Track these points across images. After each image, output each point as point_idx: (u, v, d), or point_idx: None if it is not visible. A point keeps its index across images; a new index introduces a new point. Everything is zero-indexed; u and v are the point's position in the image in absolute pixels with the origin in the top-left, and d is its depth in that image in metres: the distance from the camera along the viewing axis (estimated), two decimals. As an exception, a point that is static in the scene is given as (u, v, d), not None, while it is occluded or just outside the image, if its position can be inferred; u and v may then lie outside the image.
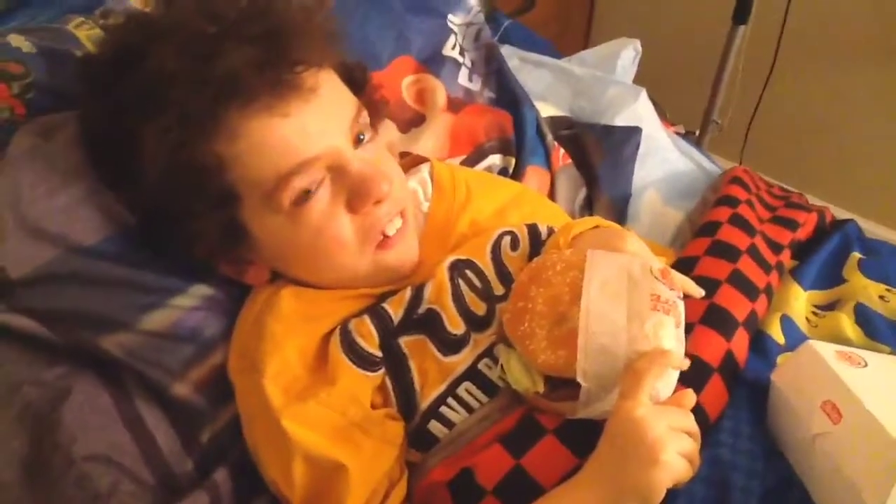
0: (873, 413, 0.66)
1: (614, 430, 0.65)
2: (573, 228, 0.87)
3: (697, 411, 0.72)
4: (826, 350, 0.75)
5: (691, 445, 0.66)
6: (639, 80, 1.41)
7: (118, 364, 0.75)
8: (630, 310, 0.69)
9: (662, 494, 0.63)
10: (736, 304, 0.84)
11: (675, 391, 0.70)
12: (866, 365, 0.75)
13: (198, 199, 0.73)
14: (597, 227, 0.89)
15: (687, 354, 0.73)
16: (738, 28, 1.96)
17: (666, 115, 1.49)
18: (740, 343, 0.82)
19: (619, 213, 1.14)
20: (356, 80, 0.84)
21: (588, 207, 1.13)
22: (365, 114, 0.80)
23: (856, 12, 2.05)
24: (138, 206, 0.78)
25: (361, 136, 0.79)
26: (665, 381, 0.68)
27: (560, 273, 0.74)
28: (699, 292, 0.79)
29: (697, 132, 2.23)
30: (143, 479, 0.73)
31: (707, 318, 0.81)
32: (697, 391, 0.73)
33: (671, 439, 0.63)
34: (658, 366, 0.66)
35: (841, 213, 1.18)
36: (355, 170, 0.75)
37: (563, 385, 0.71)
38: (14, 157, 0.77)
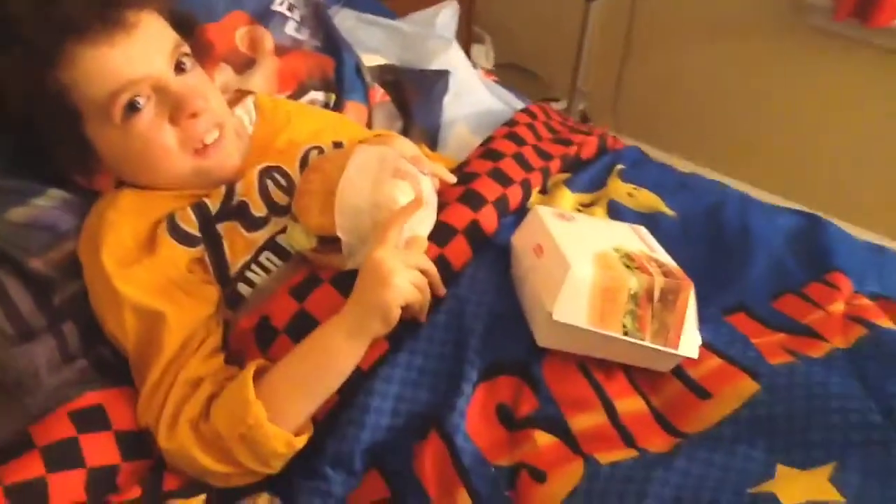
0: (559, 245, 0.88)
1: (363, 269, 0.86)
2: (363, 139, 1.09)
3: (442, 261, 0.94)
4: (545, 210, 0.97)
5: (419, 277, 0.87)
6: (515, 54, 1.59)
7: None
8: (375, 179, 0.90)
9: (396, 311, 0.85)
10: (487, 189, 1.05)
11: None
12: (574, 220, 0.98)
13: (51, 117, 0.92)
14: (378, 135, 1.11)
15: (437, 222, 0.96)
16: (591, 5, 2.21)
17: (542, 83, 1.68)
18: (488, 216, 1.02)
19: (431, 140, 1.35)
20: (184, 24, 1.03)
21: (403, 136, 1.34)
22: (185, 47, 0.99)
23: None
24: (4, 125, 0.96)
25: (183, 65, 0.98)
26: (417, 230, 0.90)
27: (332, 161, 0.95)
28: (451, 178, 1.01)
29: (567, 102, 2.47)
30: (6, 331, 0.91)
31: (461, 197, 1.03)
32: (442, 246, 0.95)
33: (401, 269, 0.84)
34: (397, 220, 0.88)
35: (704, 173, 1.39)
36: (174, 88, 0.95)
37: (331, 242, 0.92)
38: None
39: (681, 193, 1.23)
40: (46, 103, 0.91)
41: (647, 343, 0.85)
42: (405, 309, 0.87)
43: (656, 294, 0.86)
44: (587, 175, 1.26)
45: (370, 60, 1.39)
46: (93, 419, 0.88)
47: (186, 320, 0.92)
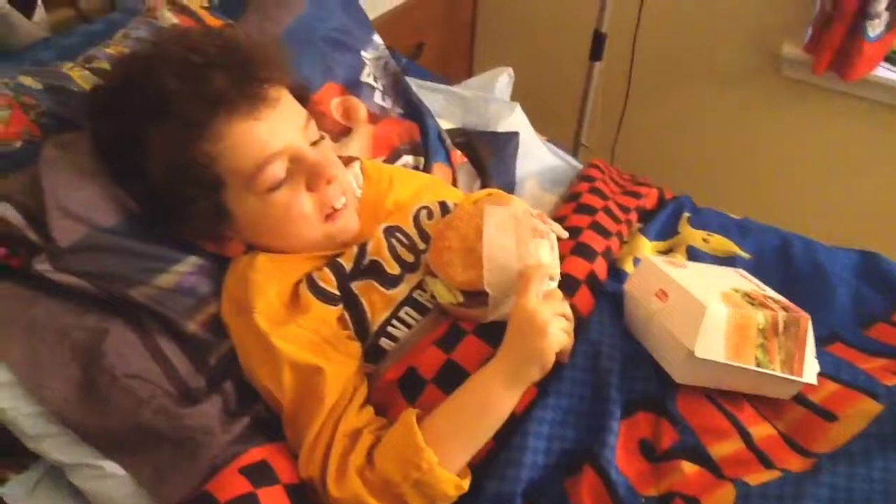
0: (687, 288, 0.97)
1: (514, 320, 0.93)
2: (474, 196, 1.17)
3: (572, 309, 1.02)
4: (658, 259, 1.06)
5: (567, 323, 0.95)
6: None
7: (141, 311, 0.98)
8: (517, 237, 0.98)
9: (552, 357, 0.92)
10: (595, 241, 1.15)
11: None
12: (686, 267, 1.07)
13: (192, 188, 0.97)
14: (490, 194, 1.19)
15: (561, 274, 1.04)
16: (595, 64, 2.33)
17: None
18: (600, 266, 1.12)
19: (507, 197, 1.44)
20: (301, 97, 1.11)
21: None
22: (313, 121, 1.07)
23: (694, 44, 2.42)
24: (144, 197, 1.01)
25: (313, 138, 1.05)
26: (546, 286, 0.98)
27: (466, 221, 1.02)
28: (564, 234, 1.09)
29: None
30: (169, 391, 0.95)
31: (574, 250, 1.11)
32: (570, 296, 1.03)
33: (553, 319, 0.92)
34: (539, 273, 0.95)
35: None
36: (311, 158, 1.01)
37: (475, 296, 0.98)
38: (45, 162, 0.98)
39: (747, 235, 1.33)
40: (191, 173, 0.96)
41: (776, 372, 0.94)
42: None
43: (780, 327, 0.95)
44: (657, 224, 1.36)
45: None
46: (263, 474, 0.92)
47: (341, 374, 0.97)
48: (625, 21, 2.24)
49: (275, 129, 0.98)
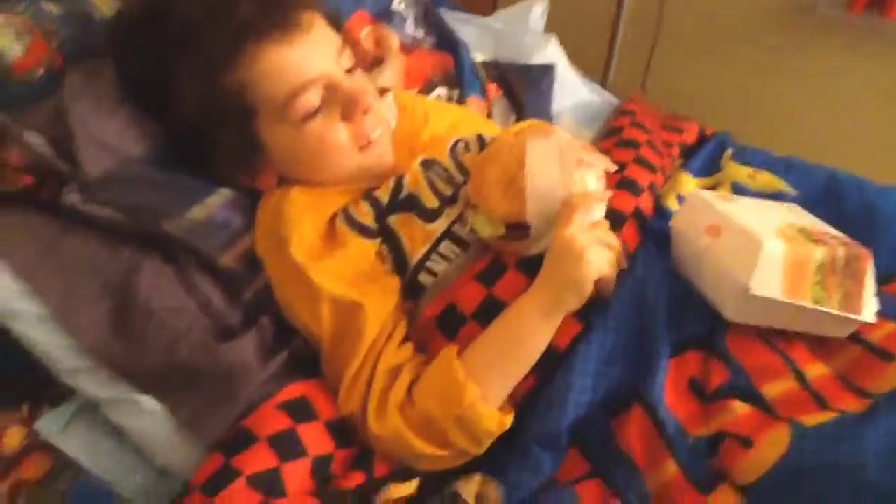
0: (741, 223, 0.93)
1: (553, 247, 0.89)
2: (515, 127, 1.12)
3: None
4: (707, 193, 1.02)
5: (610, 253, 0.90)
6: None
7: (175, 244, 0.95)
8: (561, 166, 0.94)
9: (590, 285, 0.88)
10: (640, 176, 1.10)
11: None
12: (736, 201, 1.02)
13: (224, 117, 0.94)
14: (531, 125, 1.14)
15: (606, 208, 1.00)
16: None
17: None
18: (646, 201, 1.07)
19: (543, 132, 1.39)
20: (335, 24, 1.06)
21: (514, 126, 1.37)
22: (347, 48, 1.02)
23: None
24: (174, 127, 0.97)
25: (347, 66, 1.01)
26: (594, 214, 0.94)
27: (507, 151, 0.98)
28: (612, 166, 1.05)
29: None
30: (206, 325, 0.93)
31: (620, 184, 1.07)
32: (616, 230, 0.99)
33: (592, 245, 0.87)
34: (584, 201, 0.91)
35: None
36: (347, 86, 0.97)
37: (517, 228, 0.94)
38: (70, 91, 0.95)
39: (792, 172, 1.28)
40: (221, 103, 0.93)
41: (835, 311, 0.90)
42: (594, 284, 0.90)
43: (840, 263, 0.90)
44: (700, 160, 1.30)
45: (471, 57, 1.43)
46: (303, 410, 0.91)
47: (380, 310, 0.94)
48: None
49: (309, 56, 0.94)
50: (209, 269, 0.96)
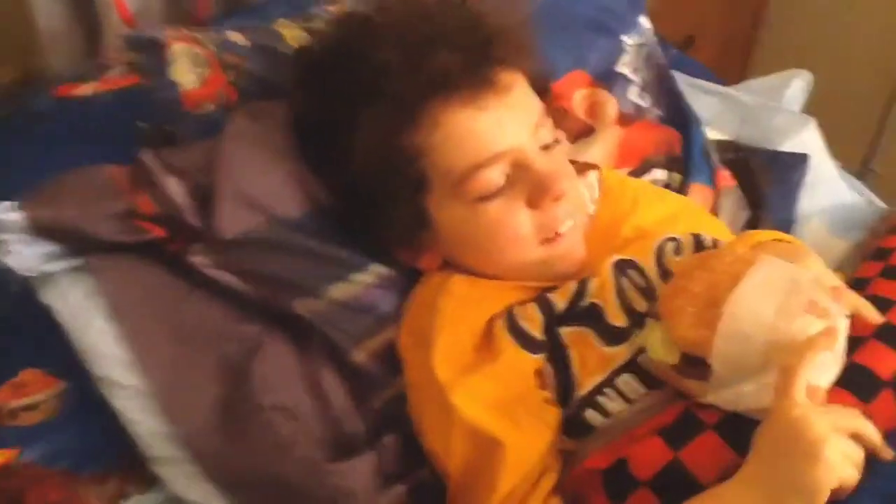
0: None
1: (773, 429, 0.65)
2: (753, 237, 0.89)
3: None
4: None
5: (855, 448, 0.64)
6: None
7: (306, 327, 0.82)
8: (781, 307, 0.69)
9: (826, 495, 0.62)
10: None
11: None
12: None
13: (395, 183, 0.81)
14: (778, 240, 0.90)
15: (853, 365, 0.74)
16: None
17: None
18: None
19: (783, 238, 1.13)
20: (541, 88, 0.89)
21: (750, 230, 1.13)
22: (549, 119, 0.85)
23: None
24: (339, 187, 0.85)
25: (546, 140, 0.84)
26: (822, 372, 0.68)
27: (727, 264, 0.75)
28: (876, 318, 0.78)
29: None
30: (316, 434, 0.79)
31: (881, 333, 0.79)
32: (866, 402, 0.72)
33: (833, 437, 0.62)
34: (807, 356, 0.65)
35: None
36: (538, 166, 0.80)
37: (695, 363, 0.72)
38: (230, 134, 0.86)
39: None
40: (395, 166, 0.80)
41: None
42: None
43: None
44: None
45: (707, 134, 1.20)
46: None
47: (526, 452, 0.75)
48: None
49: (500, 125, 0.79)
50: (339, 363, 0.82)
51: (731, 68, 2.47)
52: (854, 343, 0.77)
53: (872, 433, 0.66)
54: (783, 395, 0.64)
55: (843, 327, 0.72)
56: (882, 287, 0.89)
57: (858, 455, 0.65)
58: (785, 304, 0.70)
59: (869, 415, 0.72)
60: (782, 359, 0.68)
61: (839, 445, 0.63)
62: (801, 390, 0.64)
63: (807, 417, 0.62)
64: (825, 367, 0.70)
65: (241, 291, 0.81)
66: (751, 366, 0.69)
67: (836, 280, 0.79)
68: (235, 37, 0.98)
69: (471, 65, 0.77)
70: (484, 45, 0.79)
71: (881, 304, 0.84)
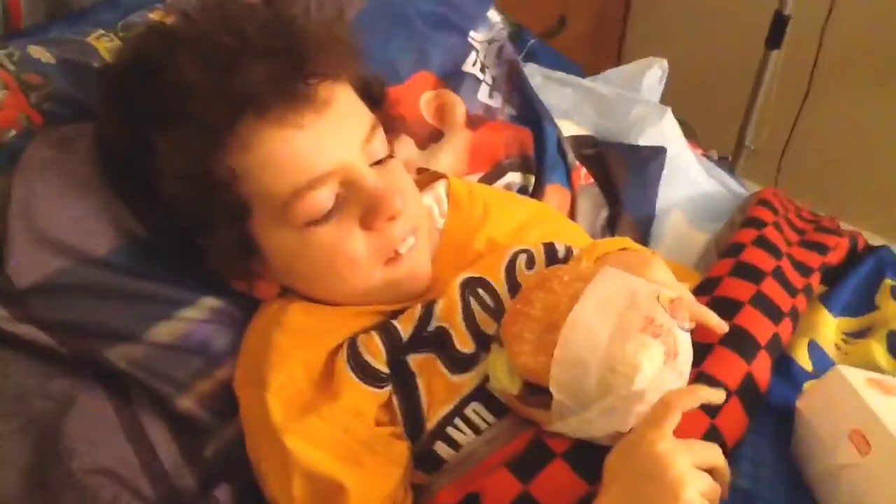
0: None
1: (633, 459, 0.62)
2: (599, 248, 0.86)
3: (713, 435, 0.70)
4: (855, 376, 0.72)
5: (712, 486, 0.61)
6: (670, 102, 1.39)
7: (124, 376, 0.74)
8: (616, 327, 0.67)
9: None
10: (758, 326, 0.81)
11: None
12: (896, 393, 0.72)
13: (210, 212, 0.73)
14: (624, 249, 0.87)
15: (702, 375, 0.72)
16: (772, 53, 1.93)
17: (697, 138, 1.46)
18: (762, 366, 0.78)
19: (643, 233, 1.11)
20: (373, 95, 0.83)
21: (610, 227, 1.10)
22: (381, 130, 0.79)
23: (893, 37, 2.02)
24: (152, 217, 0.77)
25: (379, 153, 0.78)
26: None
27: (566, 283, 0.73)
28: (722, 327, 0.77)
29: (730, 157, 2.19)
30: (144, 494, 0.72)
31: (727, 339, 0.78)
32: (712, 415, 0.71)
33: (693, 478, 0.59)
34: (680, 403, 0.63)
35: (876, 241, 1.14)
36: (370, 185, 0.74)
37: (540, 392, 0.68)
38: (27, 166, 0.77)
39: None
40: (208, 193, 0.72)
41: None
42: None
43: None
44: (846, 291, 0.98)
45: (562, 129, 1.16)
46: None
47: (371, 493, 0.70)
48: (813, 4, 1.86)
49: (321, 143, 0.73)
50: (167, 412, 0.74)
51: (606, 47, 2.48)
52: (702, 351, 0.76)
53: (724, 468, 0.64)
54: (654, 425, 0.62)
55: (683, 340, 0.70)
56: (731, 287, 0.88)
57: (714, 493, 0.62)
58: (620, 324, 0.68)
59: (717, 427, 0.71)
60: (619, 383, 0.65)
61: (698, 484, 0.60)
62: (672, 426, 0.62)
63: (672, 454, 0.60)
64: (668, 385, 0.67)
65: (44, 345, 0.72)
66: (590, 392, 0.66)
67: (680, 288, 0.77)
68: (38, 52, 0.88)
69: (281, 79, 0.70)
70: (296, 55, 0.71)
71: (729, 306, 0.83)
